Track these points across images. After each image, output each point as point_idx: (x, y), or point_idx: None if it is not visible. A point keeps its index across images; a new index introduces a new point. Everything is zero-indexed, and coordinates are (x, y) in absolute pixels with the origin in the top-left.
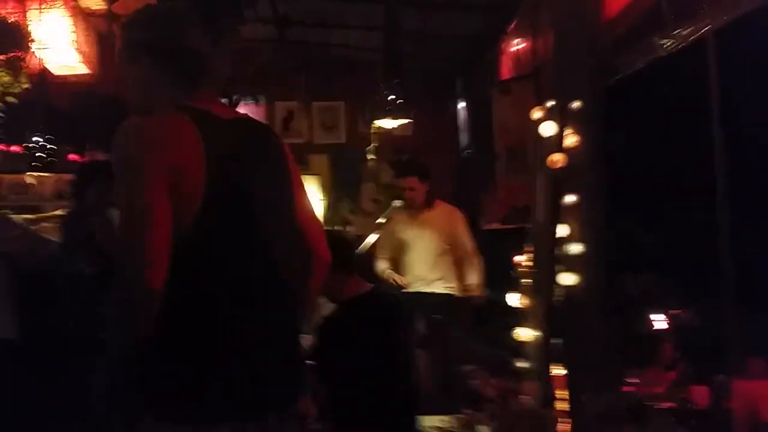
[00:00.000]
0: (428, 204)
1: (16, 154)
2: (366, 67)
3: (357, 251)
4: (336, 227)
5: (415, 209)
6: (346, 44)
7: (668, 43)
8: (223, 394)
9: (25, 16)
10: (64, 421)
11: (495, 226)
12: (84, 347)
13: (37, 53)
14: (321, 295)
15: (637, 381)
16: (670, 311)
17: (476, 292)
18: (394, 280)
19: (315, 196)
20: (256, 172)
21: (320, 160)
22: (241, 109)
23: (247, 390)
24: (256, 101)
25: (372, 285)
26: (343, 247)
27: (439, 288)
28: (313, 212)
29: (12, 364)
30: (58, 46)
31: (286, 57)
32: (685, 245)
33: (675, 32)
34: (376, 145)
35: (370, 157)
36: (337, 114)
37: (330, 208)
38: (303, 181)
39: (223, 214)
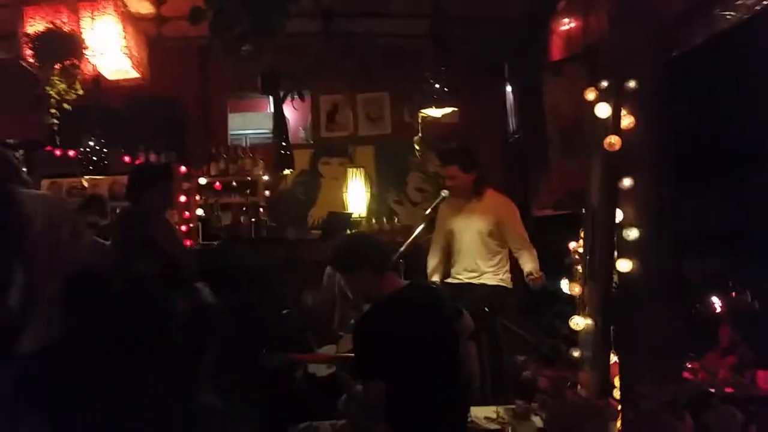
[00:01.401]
0: (476, 193)
1: (72, 158)
2: (410, 56)
3: (387, 250)
4: (383, 218)
5: (462, 198)
6: (390, 33)
7: (731, 15)
8: None
9: (78, 24)
10: (123, 419)
11: (548, 212)
12: (144, 346)
13: (90, 59)
14: (361, 298)
15: (696, 367)
16: (729, 293)
17: (535, 276)
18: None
19: (361, 188)
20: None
21: (366, 152)
22: (287, 106)
23: None
24: (302, 97)
25: (407, 282)
26: (370, 250)
27: (488, 279)
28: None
29: (67, 367)
30: (110, 52)
31: (330, 50)
32: (746, 225)
33: (738, 2)
34: (421, 135)
35: (416, 147)
36: (381, 105)
37: (376, 200)
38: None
39: None
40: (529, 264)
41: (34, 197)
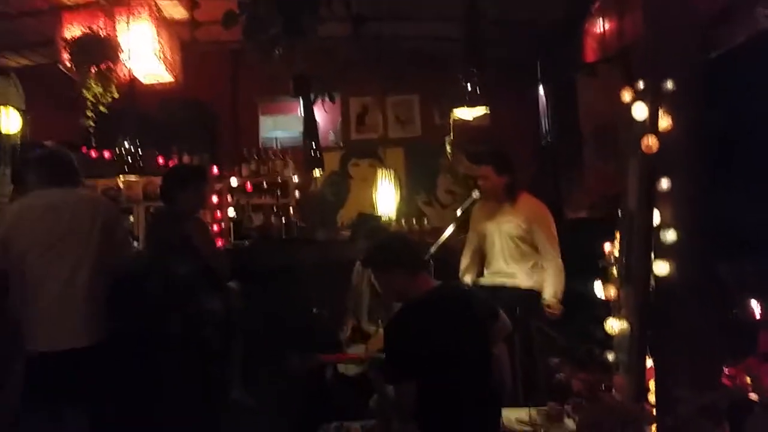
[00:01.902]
0: (509, 197)
1: (107, 159)
2: (440, 58)
3: (420, 250)
4: (412, 220)
5: (495, 201)
6: (421, 36)
7: None
8: None
9: (114, 29)
10: (159, 416)
11: (582, 214)
12: (179, 345)
13: (126, 63)
14: (394, 299)
15: (734, 373)
16: None
17: (553, 310)
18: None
19: (390, 189)
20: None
21: (395, 154)
22: (317, 108)
23: None
24: (332, 99)
25: (439, 282)
26: (404, 249)
27: (521, 282)
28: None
29: (106, 366)
30: (145, 56)
31: (361, 53)
32: None
33: None
34: (452, 137)
35: (447, 148)
36: (411, 107)
37: (405, 202)
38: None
39: None
40: (549, 288)
41: (96, 200)
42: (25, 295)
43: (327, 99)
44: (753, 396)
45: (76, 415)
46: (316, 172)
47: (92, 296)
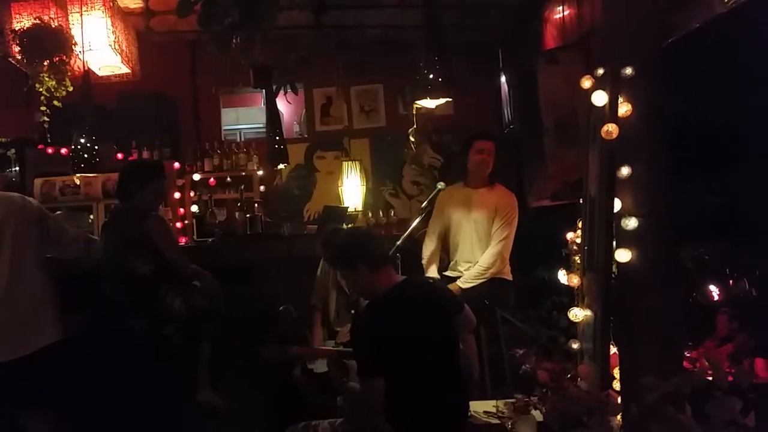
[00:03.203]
0: (490, 182)
1: (64, 156)
2: (404, 47)
3: (384, 245)
4: (379, 212)
5: (475, 183)
6: (383, 24)
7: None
8: None
9: (66, 19)
10: (121, 414)
11: (545, 203)
12: (139, 346)
13: (80, 56)
14: (359, 295)
15: (694, 356)
16: (727, 281)
17: (457, 284)
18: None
19: (357, 181)
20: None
21: (361, 145)
22: (280, 100)
23: None
24: (295, 90)
25: (404, 277)
26: (368, 246)
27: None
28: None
29: (68, 364)
30: (99, 48)
31: (323, 42)
32: (742, 211)
33: None
34: (415, 126)
35: (411, 139)
36: (376, 97)
37: (371, 193)
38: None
39: None
40: (470, 271)
41: (13, 198)
42: None
43: (290, 90)
44: (713, 380)
45: (35, 422)
46: (281, 166)
47: (40, 299)
